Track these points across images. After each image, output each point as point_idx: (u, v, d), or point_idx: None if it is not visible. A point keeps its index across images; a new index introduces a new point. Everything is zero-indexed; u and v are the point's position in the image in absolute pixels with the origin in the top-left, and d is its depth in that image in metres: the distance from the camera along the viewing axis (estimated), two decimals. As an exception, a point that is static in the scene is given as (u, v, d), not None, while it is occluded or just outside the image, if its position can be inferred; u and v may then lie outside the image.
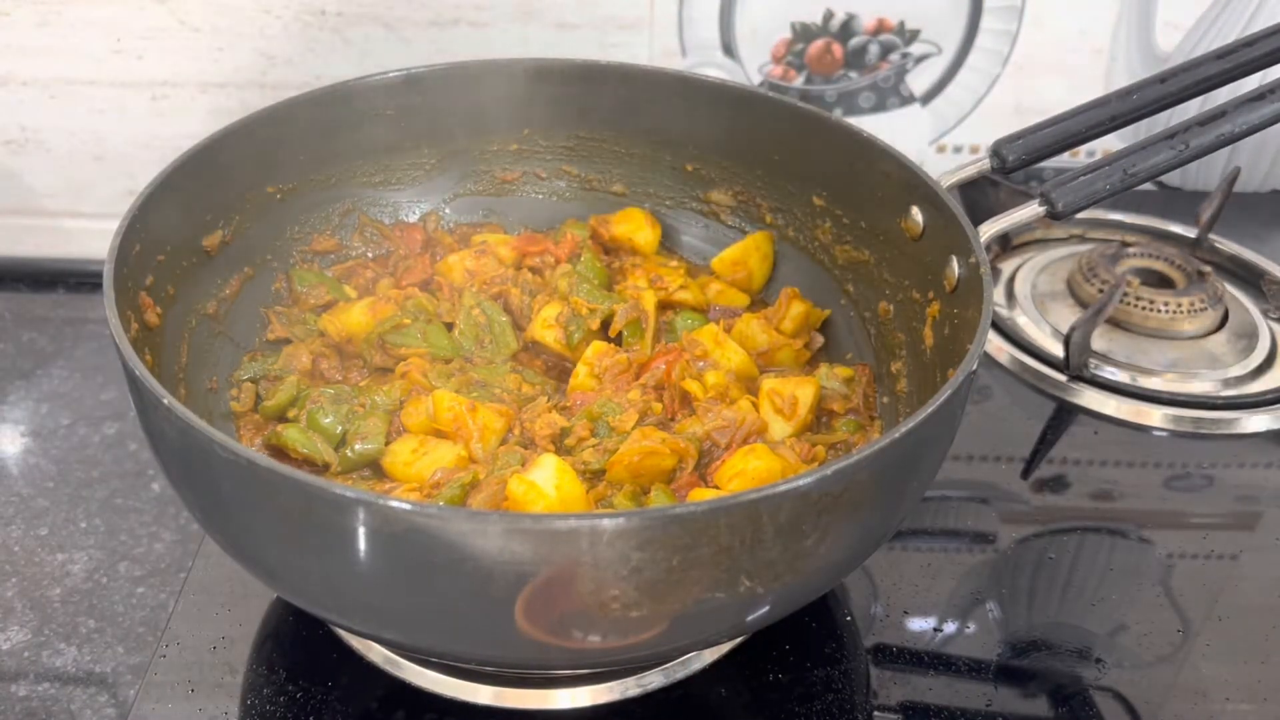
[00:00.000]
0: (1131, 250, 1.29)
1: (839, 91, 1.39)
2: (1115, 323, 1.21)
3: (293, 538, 0.69)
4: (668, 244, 1.15)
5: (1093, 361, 1.16)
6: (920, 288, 0.95)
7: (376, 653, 0.87)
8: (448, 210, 1.15)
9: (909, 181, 0.94)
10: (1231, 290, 1.28)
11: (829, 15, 1.34)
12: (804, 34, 1.35)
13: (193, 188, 0.93)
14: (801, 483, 0.65)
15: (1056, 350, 1.17)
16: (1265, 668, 0.90)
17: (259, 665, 0.87)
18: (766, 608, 0.73)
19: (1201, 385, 1.15)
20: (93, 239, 1.37)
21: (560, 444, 0.92)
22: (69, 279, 1.33)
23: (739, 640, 0.89)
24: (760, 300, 1.12)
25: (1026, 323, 1.23)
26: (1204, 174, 1.49)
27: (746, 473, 0.86)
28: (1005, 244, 1.36)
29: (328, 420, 0.92)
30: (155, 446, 0.77)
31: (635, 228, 1.12)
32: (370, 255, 1.11)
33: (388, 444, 0.92)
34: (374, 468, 0.92)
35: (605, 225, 1.13)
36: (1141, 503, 1.04)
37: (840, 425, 0.97)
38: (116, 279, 0.80)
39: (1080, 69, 1.38)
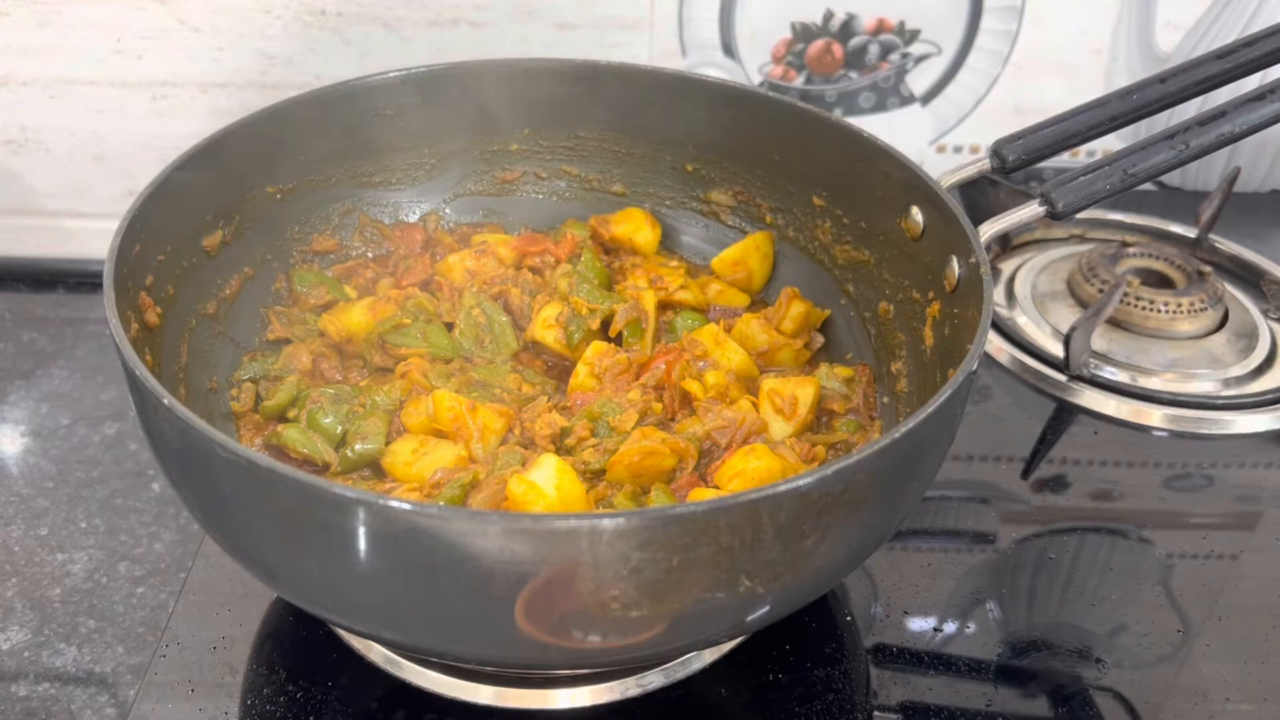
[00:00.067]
0: (1131, 250, 1.29)
1: (839, 91, 1.39)
2: (1115, 323, 1.21)
3: (293, 538, 0.69)
4: (668, 244, 1.16)
5: (1093, 361, 1.16)
6: (920, 288, 0.95)
7: (376, 653, 0.87)
8: (448, 210, 1.15)
9: (909, 181, 0.94)
10: (1231, 290, 1.28)
11: (829, 15, 1.34)
12: (804, 34, 1.35)
13: (192, 188, 0.93)
14: (801, 483, 0.65)
15: (1056, 350, 1.17)
16: (1265, 668, 0.90)
17: (259, 665, 0.87)
18: (766, 608, 0.73)
19: (1201, 385, 1.15)
20: (93, 239, 1.37)
21: (560, 444, 0.92)
22: (69, 279, 1.33)
23: (739, 640, 0.89)
24: (760, 300, 1.12)
25: (1026, 323, 1.23)
26: (1204, 174, 1.49)
27: (746, 473, 0.86)
28: (1005, 244, 1.36)
29: (328, 420, 0.92)
30: (155, 446, 0.77)
31: (635, 228, 1.12)
32: (370, 255, 1.11)
33: (388, 444, 0.92)
34: (374, 468, 0.92)
35: (605, 225, 1.13)
36: (1141, 503, 1.04)
37: (840, 425, 0.97)
38: (116, 279, 0.80)
39: (1080, 69, 1.38)
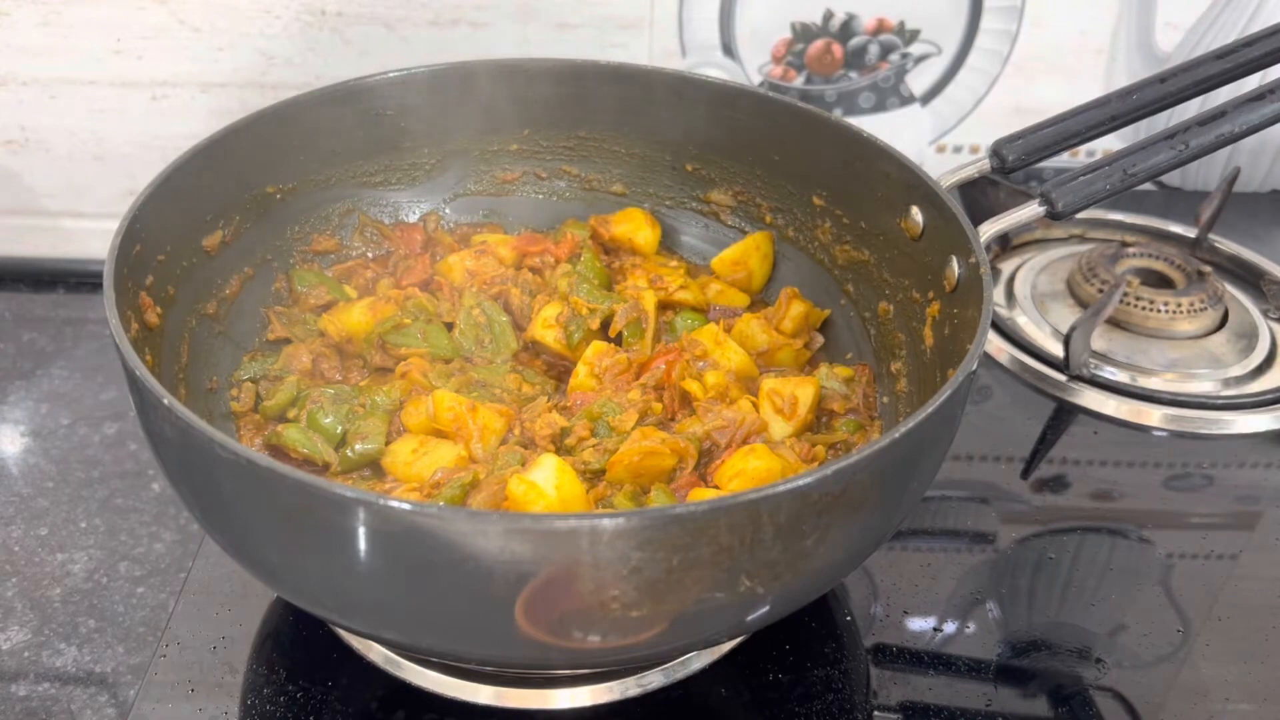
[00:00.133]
0: (1131, 250, 1.29)
1: (839, 91, 1.39)
2: (1115, 323, 1.21)
3: (293, 538, 0.69)
4: (668, 244, 1.16)
5: (1093, 361, 1.16)
6: (920, 288, 0.95)
7: (376, 653, 0.87)
8: (448, 210, 1.15)
9: (909, 181, 0.94)
10: (1231, 290, 1.28)
11: (829, 15, 1.34)
12: (804, 34, 1.35)
13: (193, 188, 0.93)
14: (801, 483, 0.65)
15: (1056, 350, 1.17)
16: (1265, 668, 0.90)
17: (259, 665, 0.87)
18: (766, 608, 0.73)
19: (1201, 385, 1.15)
20: (93, 239, 1.37)
21: (560, 444, 0.92)
22: (69, 279, 1.33)
23: (739, 640, 0.89)
24: (760, 300, 1.12)
25: (1026, 323, 1.23)
26: (1204, 174, 1.49)
27: (746, 473, 0.86)
28: (1005, 244, 1.36)
29: (328, 420, 0.92)
30: (155, 446, 0.77)
31: (635, 228, 1.12)
32: (370, 255, 1.11)
33: (388, 444, 0.92)
34: (374, 468, 0.92)
35: (605, 225, 1.13)
36: (1141, 503, 1.04)
37: (840, 425, 0.97)
38: (116, 279, 0.80)
39: (1080, 69, 1.38)
